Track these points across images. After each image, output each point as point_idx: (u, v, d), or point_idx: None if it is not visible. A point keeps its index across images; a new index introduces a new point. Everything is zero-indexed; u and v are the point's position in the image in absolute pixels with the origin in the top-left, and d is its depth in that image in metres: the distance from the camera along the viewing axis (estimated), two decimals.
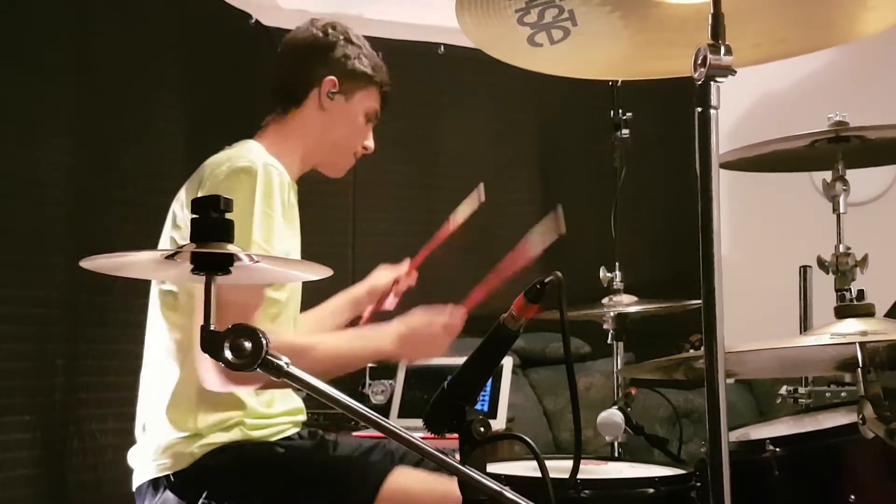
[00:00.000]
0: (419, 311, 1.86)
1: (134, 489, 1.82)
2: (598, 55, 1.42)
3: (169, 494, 1.74)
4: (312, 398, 1.31)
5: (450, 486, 1.54)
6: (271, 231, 1.74)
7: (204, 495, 1.71)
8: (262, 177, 1.75)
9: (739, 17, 1.15)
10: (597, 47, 1.39)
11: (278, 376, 1.14)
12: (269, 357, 1.14)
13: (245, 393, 1.80)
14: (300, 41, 2.02)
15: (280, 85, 2.03)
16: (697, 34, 1.12)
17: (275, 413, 1.87)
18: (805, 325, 2.26)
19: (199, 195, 1.19)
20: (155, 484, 1.77)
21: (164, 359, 1.82)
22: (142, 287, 2.67)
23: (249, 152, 1.84)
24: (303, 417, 1.96)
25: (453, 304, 1.84)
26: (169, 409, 1.79)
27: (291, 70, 2.01)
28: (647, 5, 1.30)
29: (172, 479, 1.75)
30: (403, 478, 1.73)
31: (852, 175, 1.78)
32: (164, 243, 1.90)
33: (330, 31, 2.01)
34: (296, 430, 1.92)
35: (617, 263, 2.47)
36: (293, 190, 1.93)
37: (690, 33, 1.17)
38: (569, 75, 1.42)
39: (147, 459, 1.79)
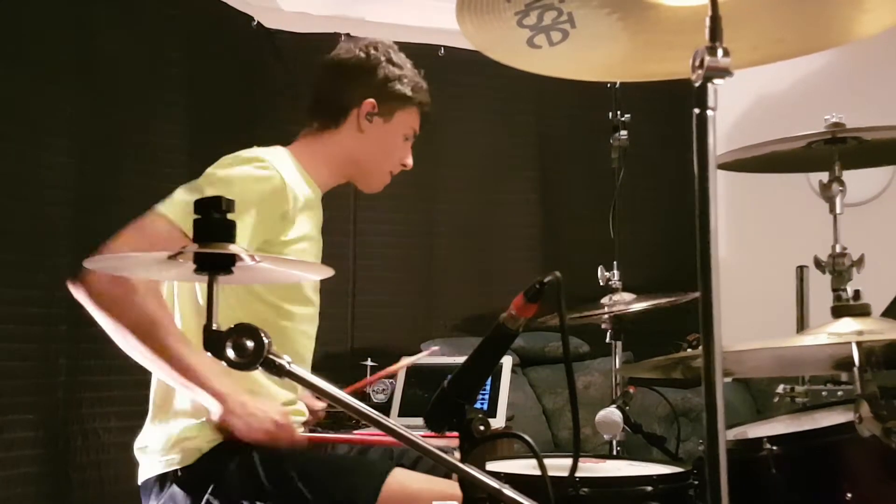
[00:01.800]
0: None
1: (140, 483, 1.83)
2: (597, 57, 1.43)
3: (176, 489, 1.75)
4: None
5: (450, 487, 1.56)
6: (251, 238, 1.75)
7: (210, 490, 1.72)
8: (273, 185, 1.78)
9: (737, 20, 1.16)
10: (595, 49, 1.39)
11: (280, 375, 1.15)
12: (271, 356, 1.14)
13: (255, 392, 1.82)
14: (343, 62, 2.02)
15: (319, 103, 2.04)
16: (695, 36, 1.12)
17: None
18: (802, 325, 2.27)
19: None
20: (162, 479, 1.78)
21: None
22: None
23: (275, 159, 1.85)
24: (303, 418, 1.97)
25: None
26: (177, 404, 1.80)
27: (331, 90, 2.02)
28: (646, 7, 1.30)
29: (179, 474, 1.76)
30: (405, 477, 1.74)
31: (849, 176, 1.78)
32: None
33: (372, 51, 2.01)
34: (299, 428, 1.92)
35: (615, 263, 2.48)
36: (317, 200, 1.95)
37: (688, 35, 1.18)
38: (568, 77, 1.42)
39: (154, 454, 1.80)
